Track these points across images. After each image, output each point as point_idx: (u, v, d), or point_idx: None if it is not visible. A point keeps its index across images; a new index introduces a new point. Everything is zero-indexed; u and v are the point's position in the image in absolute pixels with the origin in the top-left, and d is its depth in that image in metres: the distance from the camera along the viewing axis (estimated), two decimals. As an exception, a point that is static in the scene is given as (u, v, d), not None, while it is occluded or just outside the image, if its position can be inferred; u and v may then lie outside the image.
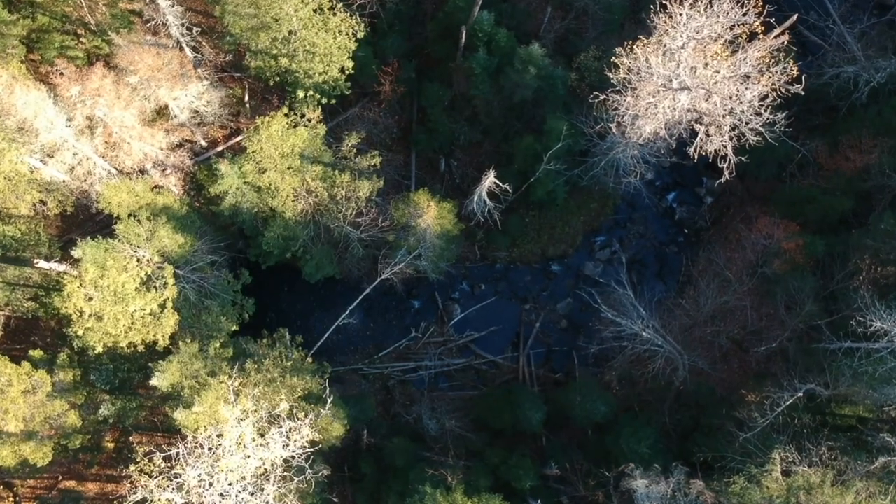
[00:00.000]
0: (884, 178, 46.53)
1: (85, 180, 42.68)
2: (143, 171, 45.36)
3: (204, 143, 50.10)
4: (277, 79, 44.35)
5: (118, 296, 34.58)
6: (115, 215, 39.80)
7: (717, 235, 54.12)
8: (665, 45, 38.32)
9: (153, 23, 44.81)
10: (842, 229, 48.41)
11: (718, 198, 56.09)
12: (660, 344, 43.21)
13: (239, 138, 49.09)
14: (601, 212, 54.73)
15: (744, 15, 36.42)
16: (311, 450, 34.08)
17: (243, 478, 32.35)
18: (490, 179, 43.71)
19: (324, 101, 43.64)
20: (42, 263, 40.86)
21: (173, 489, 31.64)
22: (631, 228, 55.65)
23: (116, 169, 43.92)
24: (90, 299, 34.90)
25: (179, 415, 34.77)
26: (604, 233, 55.26)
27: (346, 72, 43.89)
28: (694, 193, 56.68)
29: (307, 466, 34.14)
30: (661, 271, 54.96)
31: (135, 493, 31.72)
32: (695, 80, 38.06)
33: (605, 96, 41.14)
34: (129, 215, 38.22)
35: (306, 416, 34.41)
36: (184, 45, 45.22)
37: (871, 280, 41.96)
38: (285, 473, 33.55)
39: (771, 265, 46.22)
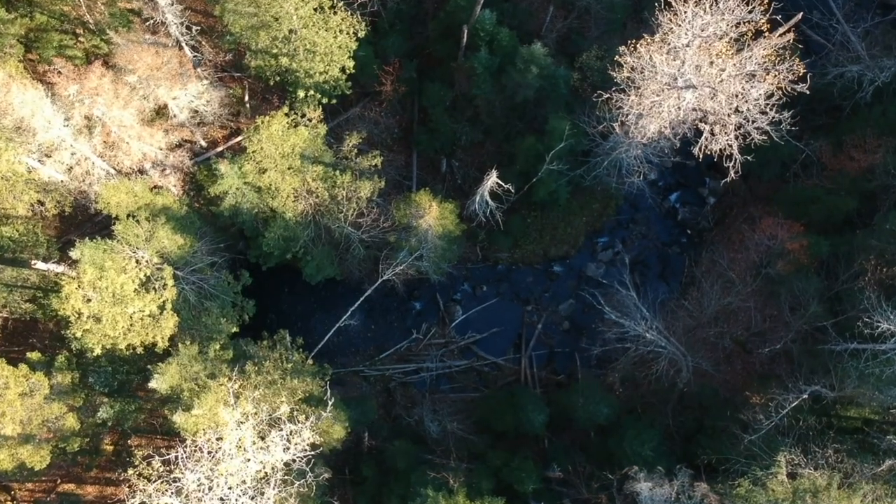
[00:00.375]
0: (888, 178, 46.22)
1: (83, 180, 42.34)
2: (142, 172, 45.05)
3: (203, 144, 49.78)
4: (278, 78, 44.05)
5: (117, 297, 34.23)
6: (113, 216, 39.44)
7: (721, 236, 53.85)
8: (669, 44, 38.00)
9: (152, 22, 44.48)
10: (846, 230, 48.07)
11: (721, 198, 55.82)
12: (663, 345, 42.89)
13: (239, 138, 48.77)
14: (603, 212, 54.41)
15: (749, 12, 36.11)
16: (312, 453, 33.73)
17: (243, 482, 31.99)
18: (492, 180, 43.38)
19: (324, 100, 43.35)
20: (40, 264, 40.52)
21: (172, 493, 31.28)
22: (633, 229, 55.34)
23: (115, 169, 43.59)
24: (88, 301, 34.54)
25: (179, 418, 34.43)
26: (606, 233, 54.94)
27: (347, 71, 43.61)
28: (697, 194, 56.37)
29: (308, 470, 33.82)
30: (664, 272, 54.64)
31: (133, 497, 31.36)
32: (700, 78, 37.74)
33: (608, 95, 40.82)
34: (128, 216, 37.87)
35: (307, 418, 34.07)
36: (183, 44, 44.88)
37: (877, 281, 41.56)
38: (286, 477, 33.18)
39: (775, 266, 45.92)
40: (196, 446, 32.44)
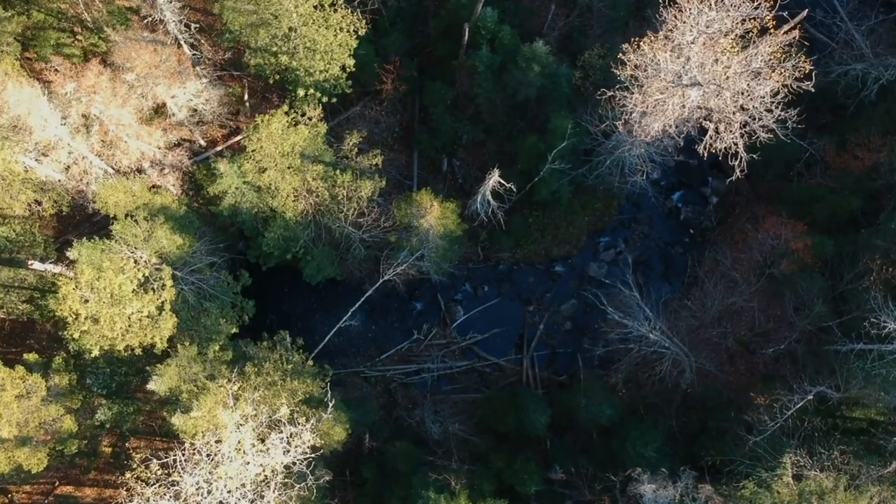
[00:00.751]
0: (893, 177, 45.93)
1: (81, 180, 41.94)
2: (140, 171, 44.64)
3: (203, 143, 49.43)
4: (277, 77, 43.69)
5: (115, 298, 33.86)
6: (111, 216, 39.14)
7: (724, 236, 53.55)
8: (674, 41, 37.64)
9: (150, 19, 44.04)
10: (851, 229, 47.73)
11: (724, 197, 55.53)
12: (666, 346, 42.56)
13: (238, 137, 48.44)
14: (606, 212, 54.08)
15: (755, 9, 35.76)
16: (313, 455, 33.35)
17: (243, 485, 31.62)
18: (493, 179, 43.05)
19: (325, 99, 43.03)
20: (37, 265, 40.14)
21: (170, 497, 30.90)
22: (636, 229, 55.00)
23: (113, 168, 43.20)
24: (86, 301, 34.14)
25: (177, 420, 34.06)
26: (608, 233, 54.59)
27: (348, 70, 43.26)
28: (699, 193, 56.05)
29: (308, 472, 33.44)
30: (667, 272, 54.30)
31: (131, 500, 31.00)
32: (705, 75, 37.37)
33: (612, 93, 40.46)
34: (126, 215, 37.50)
35: (307, 420, 33.72)
36: (182, 42, 44.49)
37: (883, 280, 41.28)
38: (286, 480, 32.82)
39: (778, 265, 45.60)
40: (195, 449, 32.07)
